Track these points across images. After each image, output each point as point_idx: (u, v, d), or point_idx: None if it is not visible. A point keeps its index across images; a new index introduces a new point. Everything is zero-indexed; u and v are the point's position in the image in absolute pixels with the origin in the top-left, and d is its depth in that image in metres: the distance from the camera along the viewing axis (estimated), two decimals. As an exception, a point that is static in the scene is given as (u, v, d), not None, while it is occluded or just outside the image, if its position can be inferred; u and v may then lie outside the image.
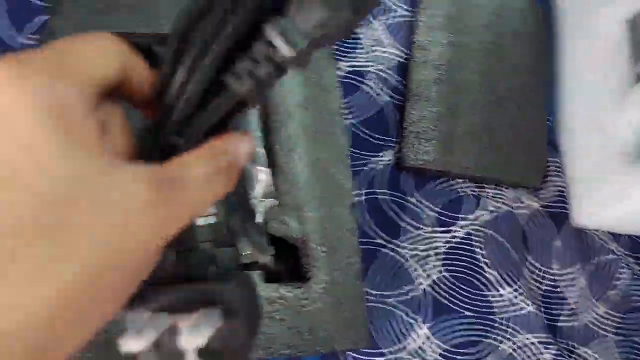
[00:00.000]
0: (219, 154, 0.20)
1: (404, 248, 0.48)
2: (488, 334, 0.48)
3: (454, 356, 0.46)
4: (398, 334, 0.45)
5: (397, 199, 0.49)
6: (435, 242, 0.49)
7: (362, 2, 0.19)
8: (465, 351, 0.47)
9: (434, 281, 0.48)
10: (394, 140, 0.51)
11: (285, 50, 0.19)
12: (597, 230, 0.55)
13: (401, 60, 0.53)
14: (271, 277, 0.41)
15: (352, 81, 0.50)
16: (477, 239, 0.50)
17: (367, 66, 0.51)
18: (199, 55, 0.19)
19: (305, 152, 0.44)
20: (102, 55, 0.18)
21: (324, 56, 0.47)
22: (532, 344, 0.48)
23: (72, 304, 0.16)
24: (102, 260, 0.16)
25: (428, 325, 0.46)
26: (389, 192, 0.49)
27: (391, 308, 0.46)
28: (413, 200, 0.49)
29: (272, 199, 0.43)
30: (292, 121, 0.44)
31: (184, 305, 0.20)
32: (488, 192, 0.52)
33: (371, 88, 0.51)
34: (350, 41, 0.51)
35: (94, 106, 0.18)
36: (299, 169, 0.43)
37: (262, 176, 0.42)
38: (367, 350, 0.44)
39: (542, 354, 0.48)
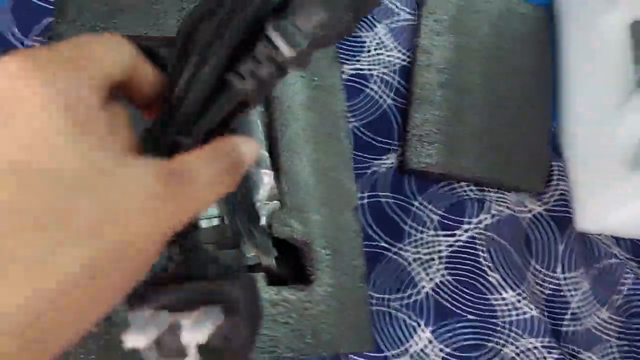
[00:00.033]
0: (222, 153, 0.20)
1: (406, 251, 0.48)
2: (490, 338, 0.47)
3: (456, 359, 0.46)
4: (400, 337, 0.45)
5: (399, 202, 0.49)
6: (438, 245, 0.49)
7: (362, 3, 0.19)
8: (468, 355, 0.46)
9: (436, 284, 0.48)
10: (397, 143, 0.51)
11: (286, 50, 0.19)
12: (600, 234, 0.55)
13: (404, 63, 0.53)
14: (274, 280, 0.41)
15: (355, 84, 0.51)
16: (480, 242, 0.50)
17: (371, 69, 0.51)
18: (204, 55, 0.20)
19: (308, 155, 0.44)
20: (113, 53, 0.19)
21: (328, 58, 0.47)
22: (535, 347, 0.48)
23: (72, 304, 0.16)
24: (104, 258, 0.16)
25: (430, 328, 0.46)
26: (391, 195, 0.49)
27: (394, 311, 0.46)
28: (416, 203, 0.49)
29: (275, 201, 0.43)
30: (296, 123, 0.44)
31: (184, 304, 0.21)
32: (491, 196, 0.52)
33: (374, 91, 0.51)
34: (353, 44, 0.52)
35: (103, 101, 0.18)
36: (302, 171, 0.43)
37: (266, 178, 0.42)
38: (369, 354, 0.44)
39: (545, 358, 0.48)
